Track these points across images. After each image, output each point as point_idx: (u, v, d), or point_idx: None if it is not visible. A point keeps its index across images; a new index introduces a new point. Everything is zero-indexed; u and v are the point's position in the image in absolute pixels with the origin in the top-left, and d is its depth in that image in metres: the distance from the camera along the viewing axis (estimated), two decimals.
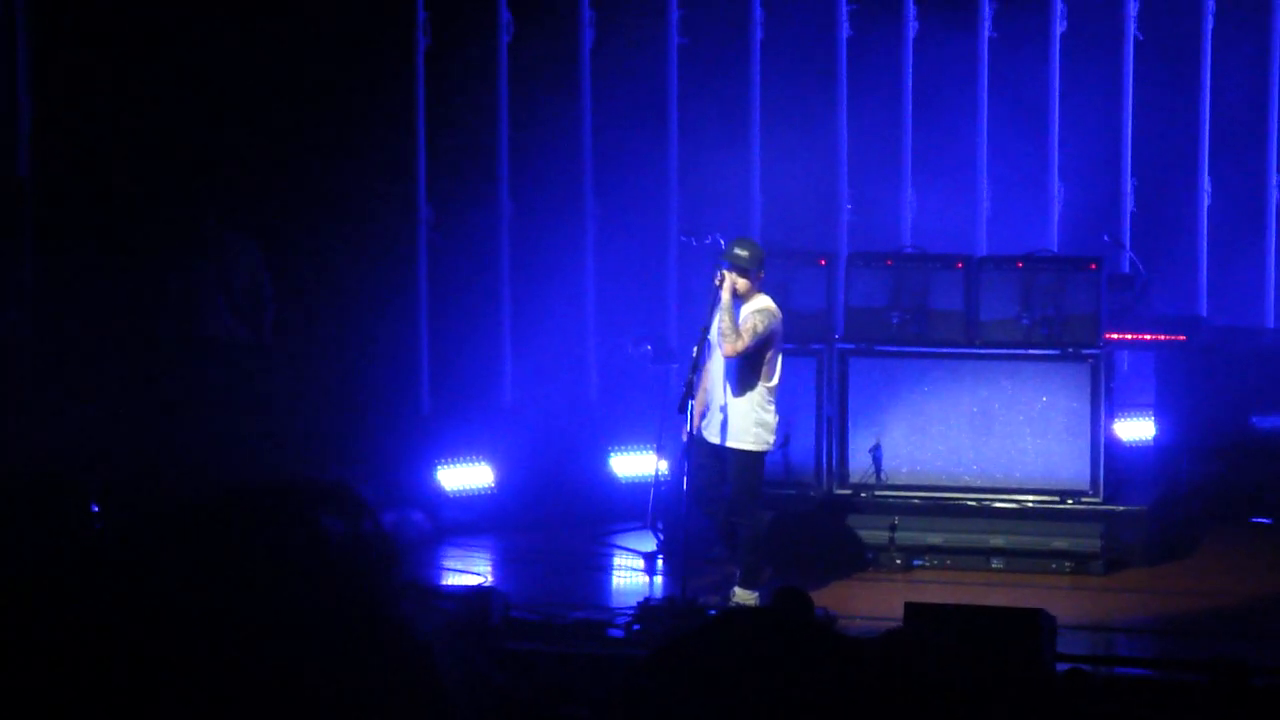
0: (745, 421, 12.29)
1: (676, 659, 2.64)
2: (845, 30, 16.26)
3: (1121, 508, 13.64)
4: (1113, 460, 13.78)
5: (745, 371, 12.28)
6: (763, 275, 12.34)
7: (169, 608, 2.41)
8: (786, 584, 11.26)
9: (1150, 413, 15.35)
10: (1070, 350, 13.64)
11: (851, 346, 13.93)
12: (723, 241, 12.66)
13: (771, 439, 12.43)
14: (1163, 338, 14.96)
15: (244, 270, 13.90)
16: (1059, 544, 13.48)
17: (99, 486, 12.11)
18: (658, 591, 13.10)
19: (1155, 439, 15.24)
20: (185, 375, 13.74)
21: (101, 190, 14.19)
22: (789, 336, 12.88)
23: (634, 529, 14.44)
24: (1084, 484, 13.59)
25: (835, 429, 13.88)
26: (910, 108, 16.34)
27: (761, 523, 12.45)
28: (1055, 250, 15.80)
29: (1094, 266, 13.80)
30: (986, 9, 16.33)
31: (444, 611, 10.58)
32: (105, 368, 14.07)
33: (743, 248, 12.29)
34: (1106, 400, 13.64)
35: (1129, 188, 16.50)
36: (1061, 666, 10.32)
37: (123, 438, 13.60)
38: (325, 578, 2.53)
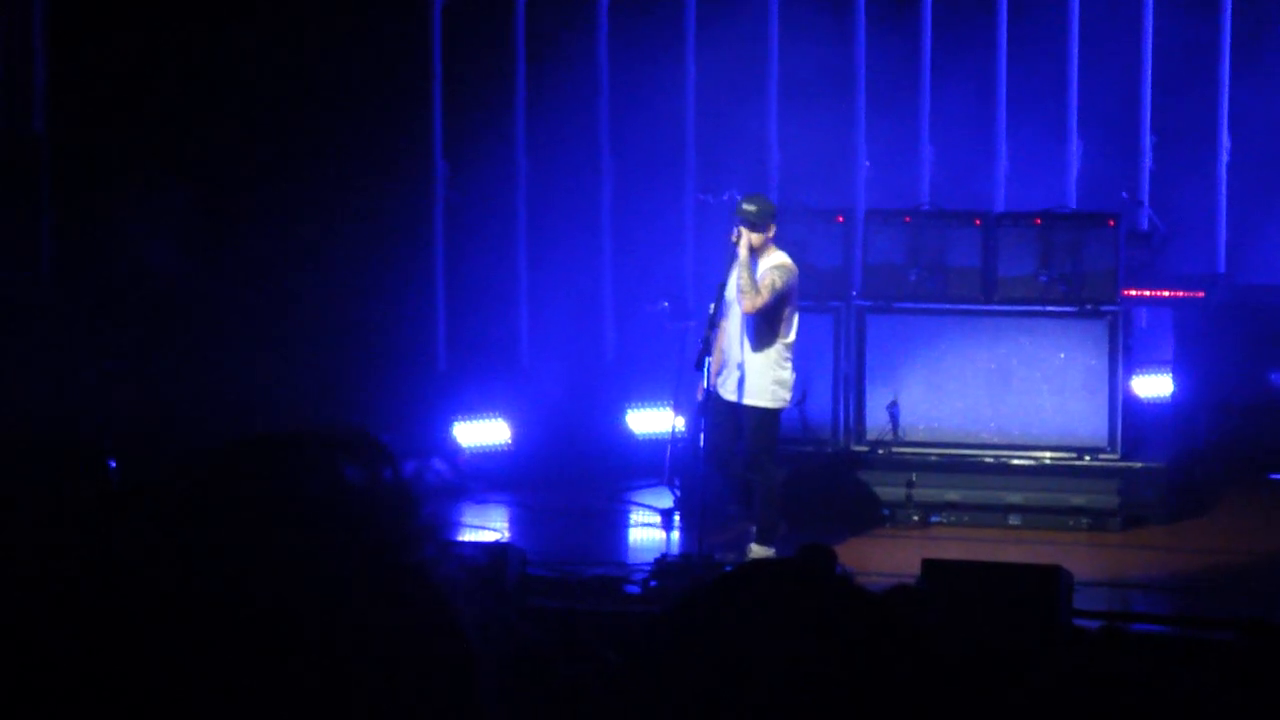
0: (762, 379, 12.28)
1: (695, 612, 2.60)
2: None
3: (1139, 465, 13.62)
4: (1130, 417, 13.76)
5: (762, 328, 12.26)
6: (774, 230, 12.28)
7: (186, 557, 2.38)
8: (810, 540, 11.27)
9: (1168, 369, 15.32)
10: (1088, 307, 13.61)
11: (869, 304, 13.91)
12: (737, 198, 12.63)
13: (788, 396, 12.41)
14: (1181, 294, 14.95)
15: None
16: (1077, 501, 13.47)
17: (116, 443, 12.17)
18: (674, 548, 13.12)
19: (1173, 396, 15.21)
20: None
21: (117, 147, 14.19)
22: (806, 293, 12.85)
23: (650, 486, 14.44)
24: (1102, 441, 13.56)
25: (852, 386, 13.88)
26: (929, 63, 16.30)
27: (778, 479, 12.44)
28: (1073, 206, 15.74)
29: (1112, 223, 13.77)
30: None
31: (464, 559, 10.54)
32: (122, 325, 14.09)
33: (750, 202, 12.26)
34: (1124, 357, 13.62)
35: (1148, 144, 16.44)
36: (1088, 624, 10.32)
37: (140, 393, 13.61)
38: (344, 524, 2.49)
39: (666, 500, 13.93)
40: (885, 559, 12.49)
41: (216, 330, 14.28)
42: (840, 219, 14.08)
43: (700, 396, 12.30)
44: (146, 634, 2.33)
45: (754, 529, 12.46)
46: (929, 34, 16.29)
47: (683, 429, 13.76)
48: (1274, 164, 16.41)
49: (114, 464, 12.26)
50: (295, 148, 14.61)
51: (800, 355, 12.55)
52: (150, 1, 14.24)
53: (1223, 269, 16.23)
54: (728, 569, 9.23)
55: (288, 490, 2.55)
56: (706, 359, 12.05)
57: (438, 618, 2.51)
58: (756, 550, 12.38)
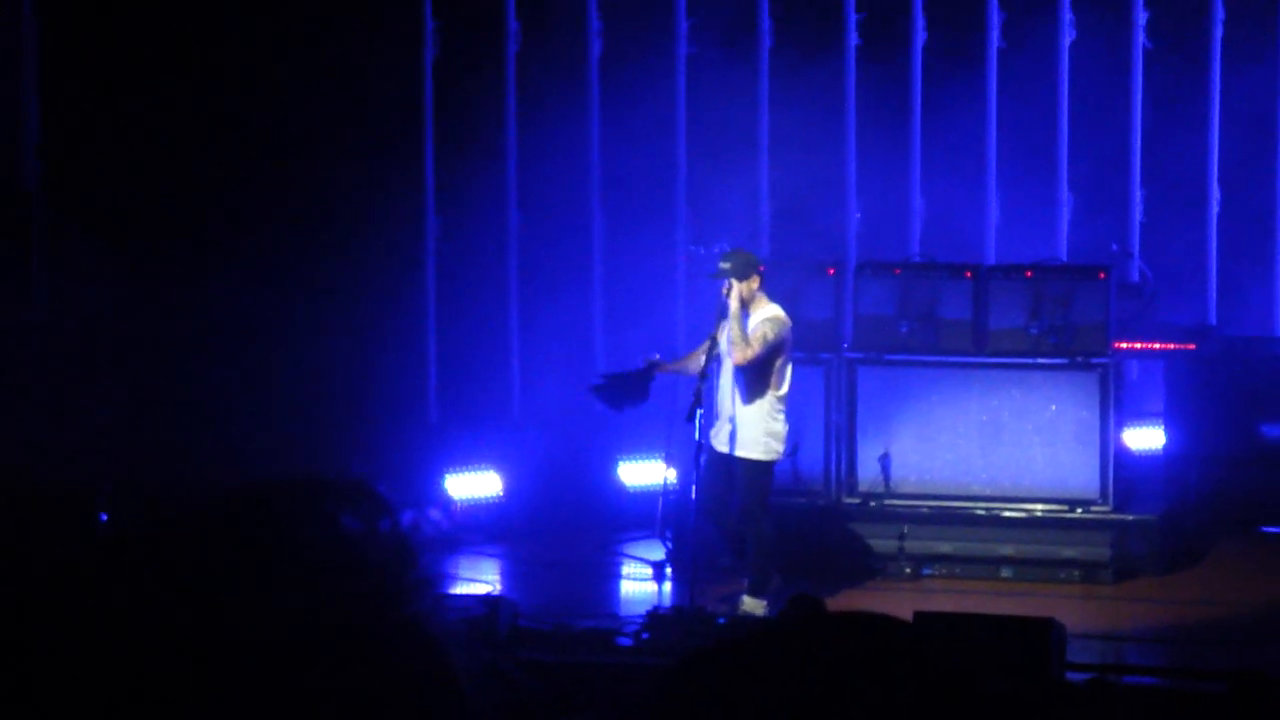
0: (755, 431, 12.28)
1: (695, 672, 2.58)
2: (854, 39, 16.25)
3: (1131, 517, 13.61)
4: (1122, 469, 13.76)
5: (755, 380, 12.27)
6: (759, 280, 12.27)
7: (181, 606, 2.35)
8: (799, 592, 11.25)
9: (1159, 422, 15.29)
10: (1079, 359, 13.61)
11: (860, 355, 13.91)
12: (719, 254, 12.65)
13: (781, 448, 12.41)
14: (1172, 347, 14.94)
15: None
16: (1068, 553, 13.46)
17: (108, 495, 12.11)
18: (666, 600, 13.09)
19: (1165, 448, 15.18)
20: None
21: (110, 199, 14.21)
22: (798, 345, 12.84)
23: (642, 538, 14.44)
24: (1093, 493, 13.56)
25: (844, 438, 13.86)
26: (919, 115, 16.33)
27: (770, 532, 12.43)
28: (1064, 259, 15.79)
29: (1103, 275, 13.80)
30: (995, 19, 16.31)
31: (459, 610, 10.53)
32: (115, 374, 14.08)
33: (726, 259, 12.29)
34: (1116, 409, 13.61)
35: (1138, 196, 16.47)
36: (1080, 676, 10.31)
37: (132, 443, 13.60)
38: (343, 575, 2.45)
39: (658, 552, 13.90)
40: (877, 611, 12.43)
41: (208, 382, 14.27)
42: (831, 271, 14.10)
43: (694, 448, 12.29)
44: (144, 681, 2.34)
45: (746, 581, 12.43)
46: (919, 86, 16.33)
47: (674, 481, 13.74)
48: (1264, 216, 16.46)
49: (105, 517, 12.21)
50: (287, 200, 14.62)
51: (792, 407, 12.56)
52: (143, 61, 14.24)
53: (1214, 321, 16.24)
54: (721, 621, 9.15)
55: (286, 540, 2.51)
56: (698, 411, 12.05)
57: (434, 668, 2.50)
58: (749, 603, 12.36)
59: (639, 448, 15.03)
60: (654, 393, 12.56)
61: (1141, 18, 16.37)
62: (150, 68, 14.26)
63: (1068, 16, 16.36)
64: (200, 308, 14.32)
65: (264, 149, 14.52)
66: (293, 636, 2.34)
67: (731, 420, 12.29)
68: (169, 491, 12.54)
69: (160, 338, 14.22)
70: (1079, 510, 13.55)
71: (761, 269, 12.39)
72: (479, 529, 14.71)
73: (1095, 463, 13.55)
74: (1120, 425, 13.90)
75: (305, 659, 2.35)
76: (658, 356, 12.73)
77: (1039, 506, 13.61)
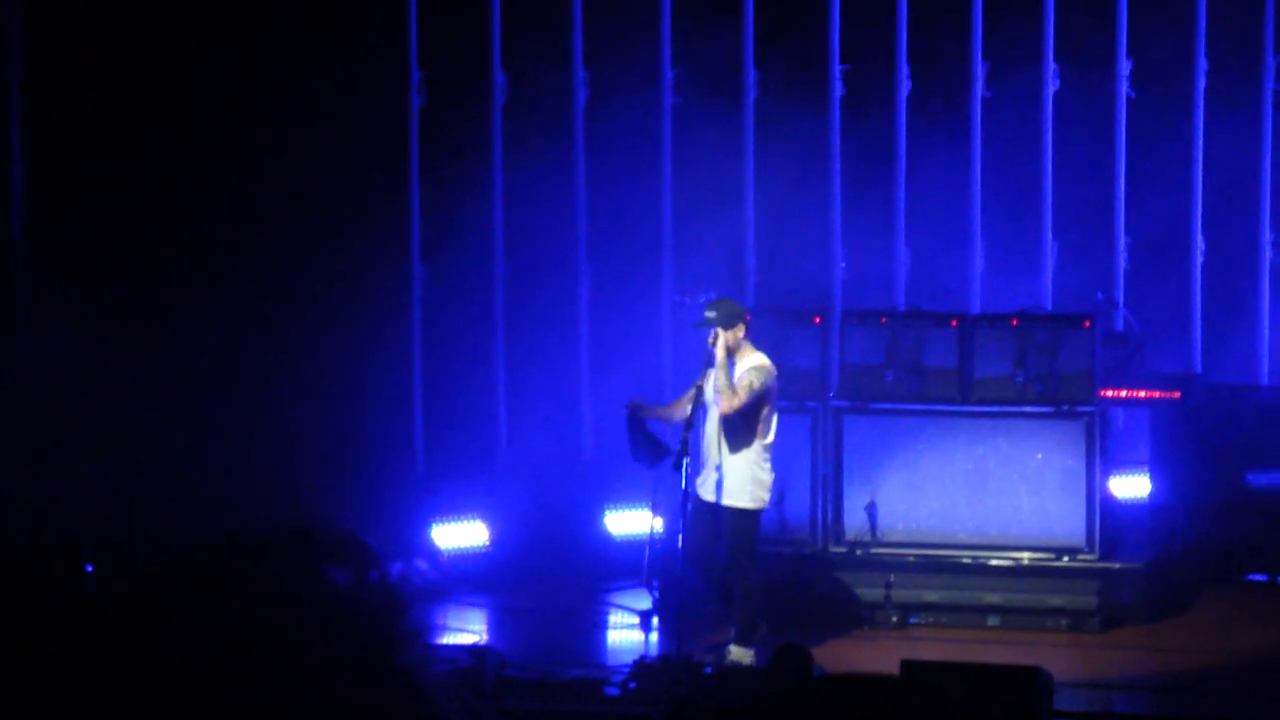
0: (741, 480, 12.29)
1: None
2: (839, 89, 16.30)
3: (1118, 565, 13.62)
4: (1108, 518, 13.78)
5: (741, 429, 12.29)
6: (745, 328, 12.31)
7: (169, 659, 2.37)
8: (786, 642, 11.25)
9: (1145, 470, 15.29)
10: (1065, 408, 13.63)
11: (846, 404, 13.91)
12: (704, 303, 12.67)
13: (767, 497, 12.43)
14: (1157, 395, 14.93)
15: None
16: (1055, 601, 13.46)
17: (92, 547, 12.08)
18: (653, 650, 13.07)
19: (1150, 496, 15.18)
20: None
21: (94, 250, 14.20)
22: (783, 394, 12.86)
23: (629, 587, 14.40)
24: (1080, 541, 13.56)
25: (830, 486, 13.86)
26: (904, 165, 16.36)
27: (757, 581, 12.41)
28: (1049, 307, 15.82)
29: (1088, 324, 13.82)
30: (979, 68, 16.36)
31: (447, 661, 10.54)
32: (100, 427, 14.06)
33: (711, 308, 12.34)
34: (1101, 458, 13.63)
35: (1122, 244, 16.52)
36: None
37: (119, 496, 13.58)
38: (331, 627, 2.48)
39: (645, 601, 13.86)
40: (864, 660, 12.47)
41: (193, 433, 14.24)
42: (817, 320, 14.11)
43: (680, 498, 12.30)
44: None
45: (733, 630, 12.41)
46: (903, 135, 16.36)
47: (661, 530, 13.74)
48: (1247, 264, 16.50)
49: (90, 568, 12.17)
50: (272, 248, 14.62)
51: (778, 456, 12.58)
52: (129, 112, 14.26)
53: (1199, 369, 16.27)
54: (708, 670, 9.18)
55: (275, 592, 2.53)
56: (684, 460, 12.06)
57: (423, 718, 2.50)
58: (736, 652, 12.35)
59: (625, 497, 15.01)
60: (661, 432, 12.58)
61: (1125, 67, 16.42)
62: (135, 118, 14.27)
63: (1051, 66, 16.40)
64: (184, 357, 14.30)
65: (249, 198, 14.53)
66: (282, 689, 2.36)
67: (718, 469, 12.30)
68: (155, 545, 12.51)
69: (145, 389, 14.19)
70: (1065, 559, 13.56)
71: (748, 318, 12.42)
72: (466, 579, 14.68)
73: (1081, 511, 13.56)
74: (1106, 473, 13.93)
75: (295, 711, 2.36)
76: (634, 402, 12.75)
77: (1025, 555, 13.61)
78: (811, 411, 13.84)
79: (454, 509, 15.02)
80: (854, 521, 13.85)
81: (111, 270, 14.24)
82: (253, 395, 14.45)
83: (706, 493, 12.34)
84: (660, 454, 12.43)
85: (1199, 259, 16.51)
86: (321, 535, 2.67)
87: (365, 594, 2.63)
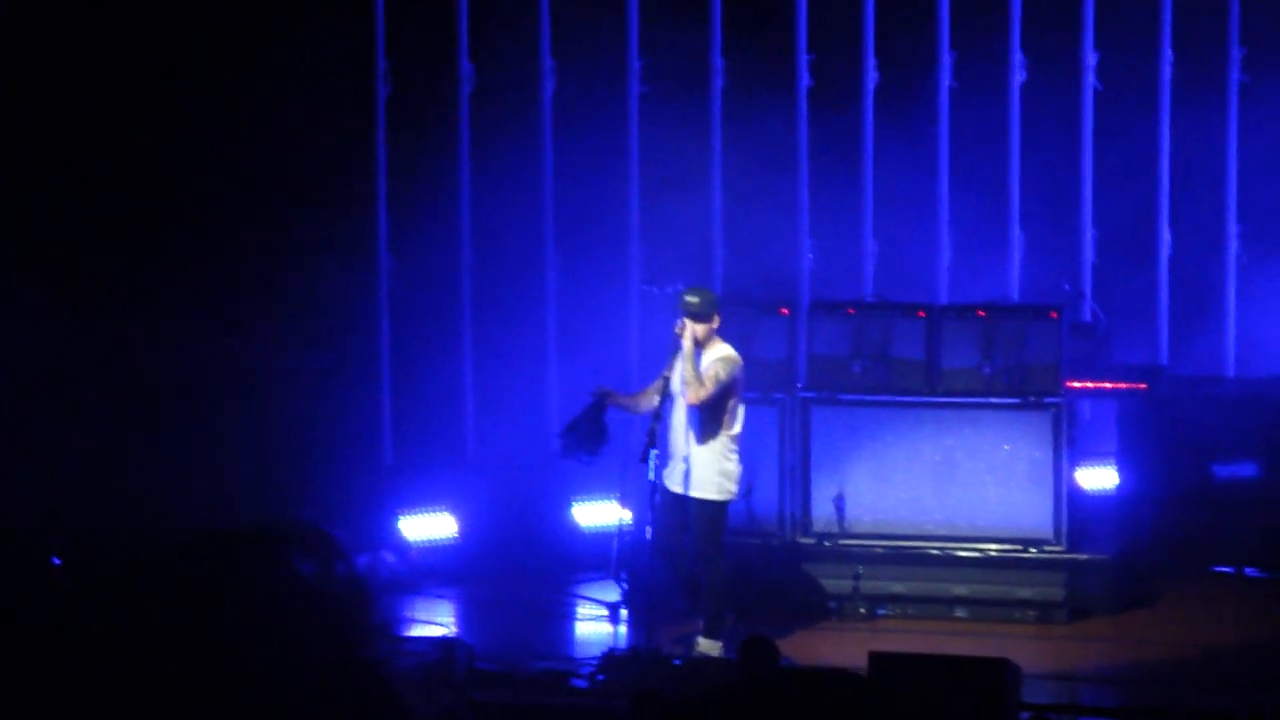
0: (708, 471, 12.27)
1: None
2: (805, 80, 16.29)
3: (1085, 556, 13.62)
4: (1075, 509, 13.76)
5: (708, 420, 12.27)
6: (718, 321, 12.33)
7: (136, 651, 2.36)
8: (753, 634, 11.24)
9: (1112, 461, 15.30)
10: (1032, 399, 13.63)
11: (814, 395, 13.89)
12: (682, 290, 12.66)
13: (734, 488, 12.41)
14: (1124, 386, 14.96)
15: None
16: (1023, 593, 13.46)
17: (61, 541, 12.02)
18: (622, 642, 13.05)
19: (1117, 488, 15.17)
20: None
21: (60, 245, 14.13)
22: (751, 385, 12.87)
23: (597, 579, 14.38)
24: (1047, 533, 13.57)
25: (798, 478, 13.84)
26: (871, 156, 16.36)
27: (725, 572, 12.40)
28: (1016, 299, 15.83)
29: (1055, 315, 13.80)
30: (946, 59, 16.36)
31: (416, 653, 10.51)
32: (67, 421, 14.00)
33: (694, 295, 12.32)
34: (1068, 449, 13.63)
35: (1090, 237, 16.54)
36: (1025, 715, 10.31)
37: (86, 489, 13.53)
38: (298, 620, 2.47)
39: (613, 593, 13.86)
40: (832, 652, 12.45)
41: (161, 427, 14.18)
42: (784, 311, 14.08)
43: (648, 488, 12.28)
44: None
45: (701, 622, 12.40)
46: (870, 126, 16.37)
47: (629, 522, 13.72)
48: (1214, 256, 16.53)
49: (58, 561, 12.13)
50: (239, 241, 14.55)
51: (746, 447, 12.56)
52: (98, 96, 14.18)
53: (1165, 361, 16.30)
54: (676, 662, 9.16)
55: (241, 585, 2.51)
56: (652, 451, 12.04)
57: (390, 711, 2.49)
58: (704, 644, 12.34)
59: (593, 489, 14.99)
60: (612, 429, 12.53)
61: (1091, 59, 16.44)
62: (96, 108, 14.18)
63: (1018, 58, 16.42)
64: (148, 349, 14.23)
65: (213, 190, 14.46)
66: (248, 680, 2.35)
67: (685, 460, 12.29)
68: (124, 537, 12.47)
69: (108, 383, 14.12)
70: (1033, 550, 13.56)
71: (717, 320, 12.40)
72: (434, 571, 14.66)
73: (1049, 502, 13.57)
74: (1073, 465, 13.92)
75: (262, 703, 2.35)
76: (604, 387, 12.72)
77: (993, 546, 13.60)
78: (779, 403, 13.83)
79: (422, 501, 14.99)
80: (822, 513, 13.83)
81: (72, 263, 14.15)
82: (218, 388, 14.38)
83: (674, 484, 12.33)
84: (593, 451, 12.39)
85: (1166, 251, 16.54)
86: (287, 527, 2.64)
87: (331, 586, 2.59)
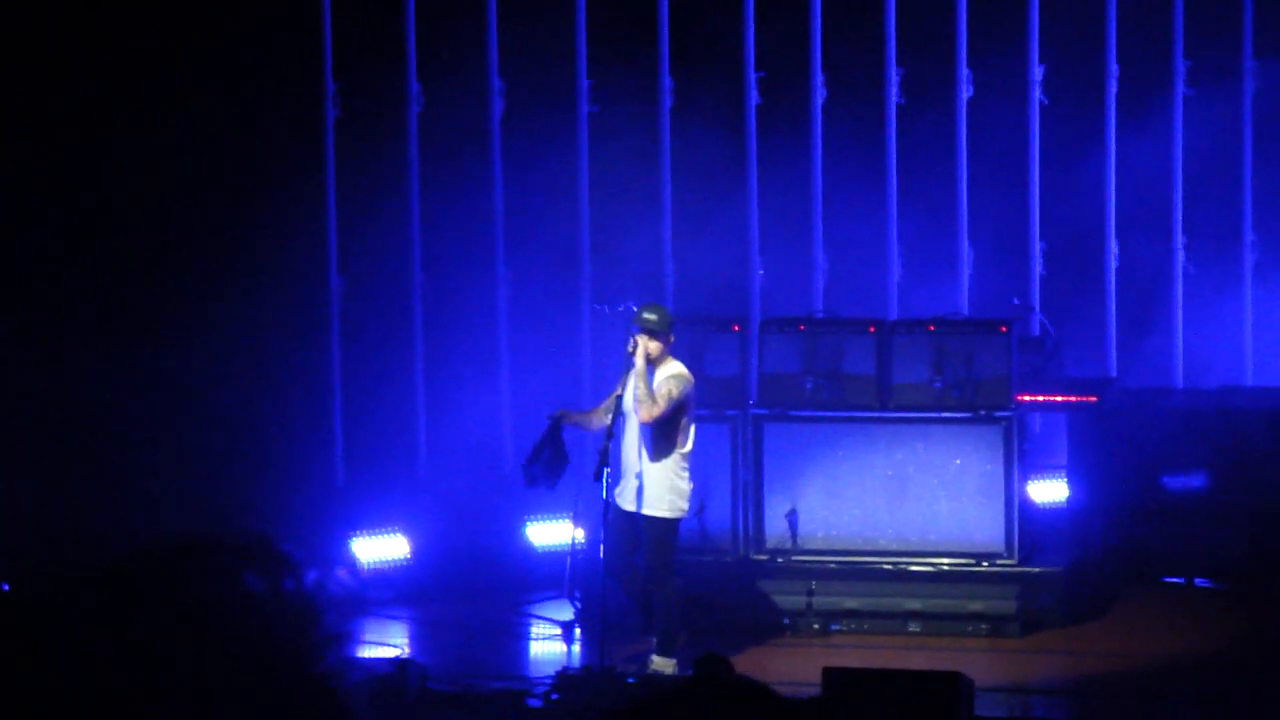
0: (660, 489, 12.27)
1: None
2: (754, 97, 16.32)
3: (1037, 569, 13.64)
4: (1027, 522, 13.78)
5: (660, 438, 12.27)
6: (673, 339, 12.36)
7: (83, 669, 2.35)
8: (706, 651, 11.23)
9: (1063, 474, 15.36)
10: (983, 413, 13.64)
11: (766, 412, 13.89)
12: (635, 308, 12.67)
13: (686, 506, 12.41)
14: (1074, 399, 14.96)
15: None
16: (975, 606, 13.48)
17: (7, 565, 11.92)
18: (576, 661, 13.05)
19: (1068, 500, 15.22)
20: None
21: (7, 257, 14.06)
22: (703, 403, 12.87)
23: (551, 598, 14.34)
24: (999, 546, 13.58)
25: (751, 495, 13.83)
26: (820, 173, 16.38)
27: (677, 590, 12.39)
28: (966, 313, 15.86)
29: (1004, 329, 13.82)
30: (894, 75, 16.40)
31: (370, 673, 10.47)
32: (13, 438, 13.92)
33: (651, 311, 12.33)
34: (1020, 462, 13.65)
35: (1038, 250, 16.59)
36: None
37: (32, 508, 13.45)
38: (246, 634, 2.46)
39: (567, 612, 13.84)
40: (786, 668, 12.45)
41: (108, 445, 14.11)
42: (736, 328, 14.07)
43: (601, 507, 12.27)
44: None
45: (655, 640, 12.39)
46: (819, 142, 16.39)
47: (582, 540, 13.70)
48: (1161, 269, 16.59)
49: (6, 588, 12.02)
50: (189, 258, 14.50)
51: (698, 465, 12.57)
52: (44, 125, 14.12)
53: (1114, 374, 16.36)
54: (630, 681, 9.19)
55: (187, 599, 2.47)
56: (605, 470, 12.03)
57: None
58: (658, 661, 12.33)
59: (546, 508, 14.96)
60: (571, 450, 12.52)
61: (1038, 73, 16.51)
62: (44, 129, 14.12)
63: (965, 73, 16.47)
64: (100, 369, 14.16)
65: (165, 208, 14.41)
66: (198, 694, 2.32)
67: (638, 477, 12.28)
68: (68, 555, 12.40)
69: (59, 400, 14.05)
70: (985, 564, 13.58)
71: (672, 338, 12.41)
72: (386, 592, 14.60)
73: (1000, 516, 13.58)
74: (1024, 478, 13.95)
75: (211, 716, 2.33)
76: (561, 410, 12.72)
77: (945, 561, 13.62)
78: (731, 420, 13.82)
79: (374, 522, 14.93)
80: (775, 530, 13.83)
81: (19, 280, 14.08)
82: (170, 405, 14.31)
83: (626, 502, 12.32)
84: (557, 476, 12.38)
85: (1113, 264, 16.61)
86: (235, 541, 2.61)
87: (279, 601, 2.58)
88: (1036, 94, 16.50)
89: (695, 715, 2.59)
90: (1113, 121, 16.52)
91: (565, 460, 12.38)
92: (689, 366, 12.48)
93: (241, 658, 2.42)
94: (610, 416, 12.17)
